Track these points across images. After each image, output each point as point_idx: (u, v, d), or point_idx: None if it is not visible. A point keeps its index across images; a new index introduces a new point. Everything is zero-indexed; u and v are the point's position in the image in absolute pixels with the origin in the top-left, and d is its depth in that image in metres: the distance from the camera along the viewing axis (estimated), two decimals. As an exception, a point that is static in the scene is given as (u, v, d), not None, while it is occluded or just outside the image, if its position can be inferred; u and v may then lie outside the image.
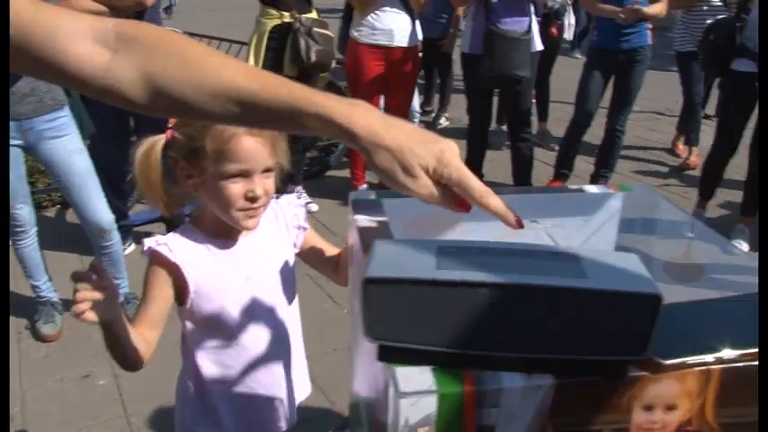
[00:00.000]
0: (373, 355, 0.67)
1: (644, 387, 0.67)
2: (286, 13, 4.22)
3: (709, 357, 0.68)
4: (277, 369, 1.54)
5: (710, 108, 6.48)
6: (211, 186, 1.36)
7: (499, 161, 5.28)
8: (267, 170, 1.38)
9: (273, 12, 4.24)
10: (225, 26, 8.27)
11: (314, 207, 4.56)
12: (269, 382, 1.54)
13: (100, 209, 3.21)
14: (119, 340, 1.29)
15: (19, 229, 3.13)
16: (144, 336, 1.36)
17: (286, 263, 1.54)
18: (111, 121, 3.75)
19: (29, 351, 3.13)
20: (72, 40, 0.76)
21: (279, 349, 1.53)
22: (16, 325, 3.38)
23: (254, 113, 0.78)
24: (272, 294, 1.51)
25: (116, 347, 1.30)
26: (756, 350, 0.69)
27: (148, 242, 1.40)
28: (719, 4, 5.12)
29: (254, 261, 1.47)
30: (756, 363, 0.69)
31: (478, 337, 0.63)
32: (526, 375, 0.64)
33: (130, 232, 4.17)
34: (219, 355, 1.49)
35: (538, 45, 4.44)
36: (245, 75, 0.78)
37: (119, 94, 0.78)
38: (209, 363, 1.50)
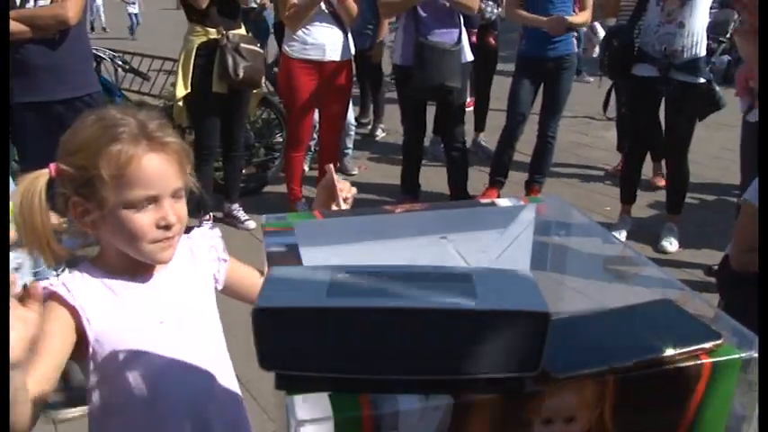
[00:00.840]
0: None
1: (542, 401, 0.68)
2: (212, 30, 4.20)
3: (604, 368, 0.70)
4: (206, 423, 1.33)
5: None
6: (115, 220, 1.19)
7: (436, 171, 5.32)
8: (177, 194, 1.23)
9: (200, 29, 4.22)
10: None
11: (251, 224, 4.53)
12: None
13: None
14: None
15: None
16: (36, 377, 1.09)
17: (207, 301, 1.37)
18: (39, 140, 3.66)
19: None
20: None
21: (204, 400, 1.33)
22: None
23: None
24: (193, 338, 1.32)
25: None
26: (650, 358, 0.71)
27: (44, 284, 1.18)
28: None
29: (168, 301, 1.29)
30: (650, 370, 0.71)
31: (373, 361, 0.63)
32: (423, 396, 0.64)
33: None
34: (133, 417, 1.28)
35: (468, 56, 4.50)
36: None
37: None
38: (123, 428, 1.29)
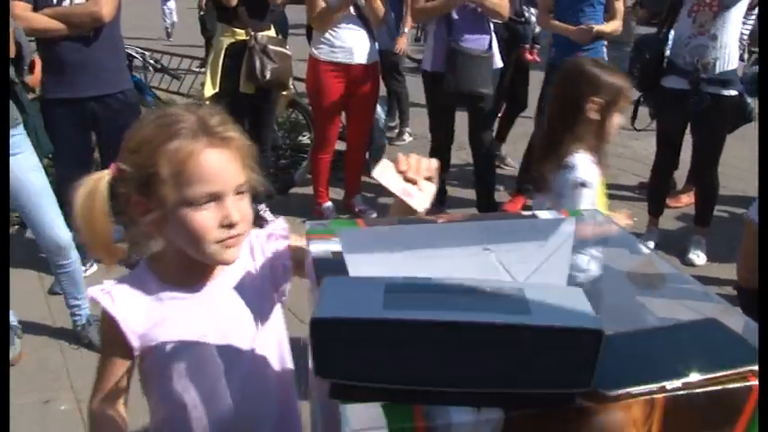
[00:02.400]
0: (326, 392, 0.68)
1: (590, 418, 0.69)
2: (239, 31, 4.24)
3: (653, 387, 0.70)
4: (248, 426, 1.28)
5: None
6: (176, 219, 1.14)
7: (463, 177, 5.32)
8: (239, 191, 1.16)
9: (229, 30, 4.27)
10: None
11: (278, 225, 4.56)
12: None
13: (57, 226, 3.18)
14: None
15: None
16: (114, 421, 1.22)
17: (260, 316, 1.27)
18: (72, 136, 3.73)
19: (-14, 377, 3.05)
20: None
21: (249, 406, 1.27)
22: (-28, 350, 3.33)
23: None
24: (241, 354, 1.25)
25: None
26: (699, 378, 0.72)
27: (93, 291, 1.21)
28: None
29: (215, 315, 1.24)
30: (698, 390, 0.71)
31: (427, 373, 0.64)
32: (475, 409, 0.65)
33: (93, 251, 4.13)
34: (175, 419, 1.26)
35: (498, 62, 4.50)
36: None
37: None
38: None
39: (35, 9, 3.47)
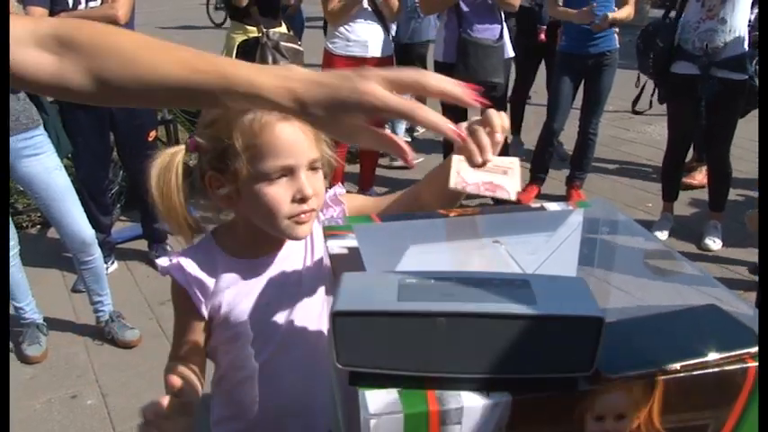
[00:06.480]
0: (345, 379, 0.73)
1: (594, 399, 0.73)
2: (251, 28, 4.30)
3: (652, 369, 0.74)
4: (303, 401, 1.30)
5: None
6: (250, 193, 1.15)
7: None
8: (313, 167, 1.17)
9: (241, 27, 4.33)
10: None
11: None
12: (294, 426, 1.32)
13: (81, 223, 3.26)
14: None
15: (0, 251, 3.17)
16: (189, 372, 1.21)
17: (313, 288, 1.27)
18: (91, 137, 3.81)
19: (14, 373, 3.15)
20: (16, 50, 0.79)
21: (304, 381, 1.30)
22: (1, 348, 3.41)
23: (186, 98, 0.84)
24: (302, 321, 1.26)
25: None
26: (695, 361, 0.76)
27: (161, 261, 1.24)
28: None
29: (282, 281, 1.25)
30: (696, 372, 0.75)
31: (440, 360, 0.68)
32: (485, 394, 0.69)
33: (113, 250, 4.21)
34: (235, 386, 1.32)
35: (509, 52, 4.52)
36: (176, 65, 0.80)
37: (70, 93, 0.83)
38: (223, 399, 1.35)
39: (51, 14, 3.53)
